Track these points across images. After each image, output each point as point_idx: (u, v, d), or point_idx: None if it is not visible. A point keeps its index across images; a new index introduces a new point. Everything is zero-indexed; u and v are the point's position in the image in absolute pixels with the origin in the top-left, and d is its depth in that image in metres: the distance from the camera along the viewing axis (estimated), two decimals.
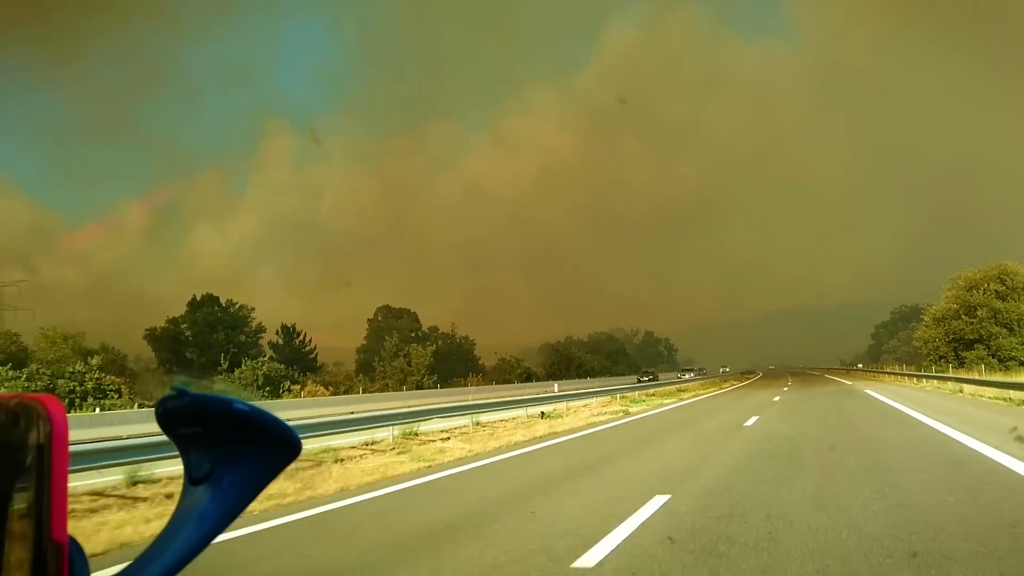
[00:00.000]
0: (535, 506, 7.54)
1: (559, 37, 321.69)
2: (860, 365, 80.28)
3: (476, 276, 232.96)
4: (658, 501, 7.26)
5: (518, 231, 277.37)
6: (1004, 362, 46.26)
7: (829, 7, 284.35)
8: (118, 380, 33.93)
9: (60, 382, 31.81)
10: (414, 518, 7.31)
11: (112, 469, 9.28)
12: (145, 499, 8.70)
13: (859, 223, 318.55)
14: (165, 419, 0.78)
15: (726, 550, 5.31)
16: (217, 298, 73.25)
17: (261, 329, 76.00)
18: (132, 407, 28.52)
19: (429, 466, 11.20)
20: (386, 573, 5.37)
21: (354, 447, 13.76)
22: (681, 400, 31.45)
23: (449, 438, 15.74)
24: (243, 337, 69.20)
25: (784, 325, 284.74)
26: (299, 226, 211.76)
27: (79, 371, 33.08)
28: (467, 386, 57.22)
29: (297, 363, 73.64)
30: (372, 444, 14.29)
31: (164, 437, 0.81)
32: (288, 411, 26.23)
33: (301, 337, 77.41)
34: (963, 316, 49.15)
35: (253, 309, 75.52)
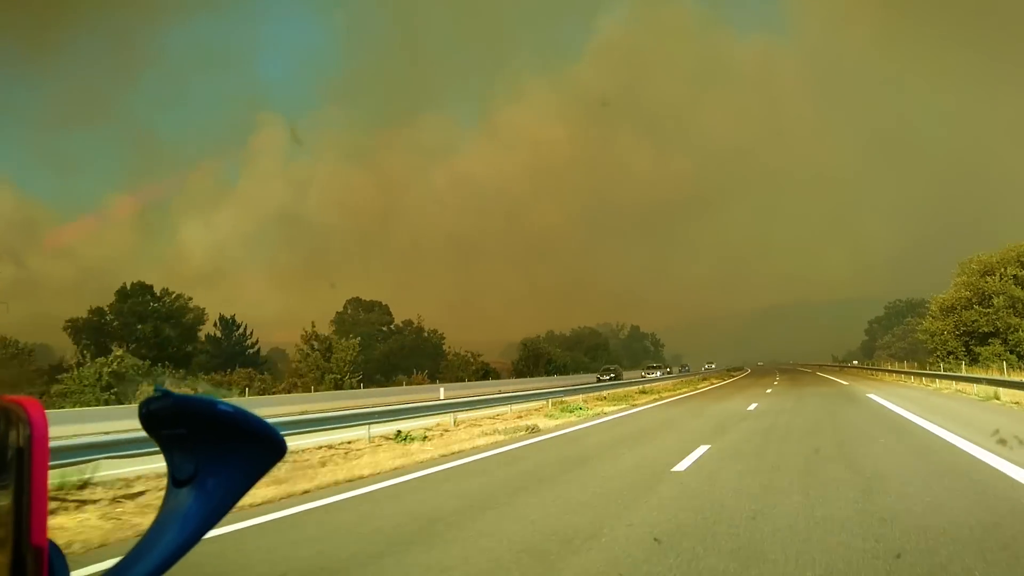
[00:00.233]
0: None
1: (552, 30, 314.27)
2: (855, 362, 73.51)
3: (461, 271, 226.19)
4: None
5: (506, 226, 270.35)
6: None
7: None
8: None
9: None
10: None
11: None
12: None
13: (855, 218, 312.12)
14: (148, 420, 0.77)
15: None
16: (151, 287, 66.03)
17: (200, 321, 68.87)
18: None
19: None
20: None
21: None
22: (633, 407, 24.41)
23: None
24: (170, 330, 61.94)
25: (776, 321, 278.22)
26: (284, 220, 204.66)
27: None
28: (410, 384, 50.34)
29: (236, 358, 66.54)
30: None
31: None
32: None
33: (241, 330, 70.23)
34: (976, 306, 42.28)
35: (190, 299, 68.37)
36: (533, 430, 15.93)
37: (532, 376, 65.19)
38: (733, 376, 61.63)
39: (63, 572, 0.68)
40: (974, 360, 42.00)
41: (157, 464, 9.40)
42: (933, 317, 44.92)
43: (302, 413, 19.37)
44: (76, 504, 7.73)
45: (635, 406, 24.45)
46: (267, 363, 70.09)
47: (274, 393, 39.42)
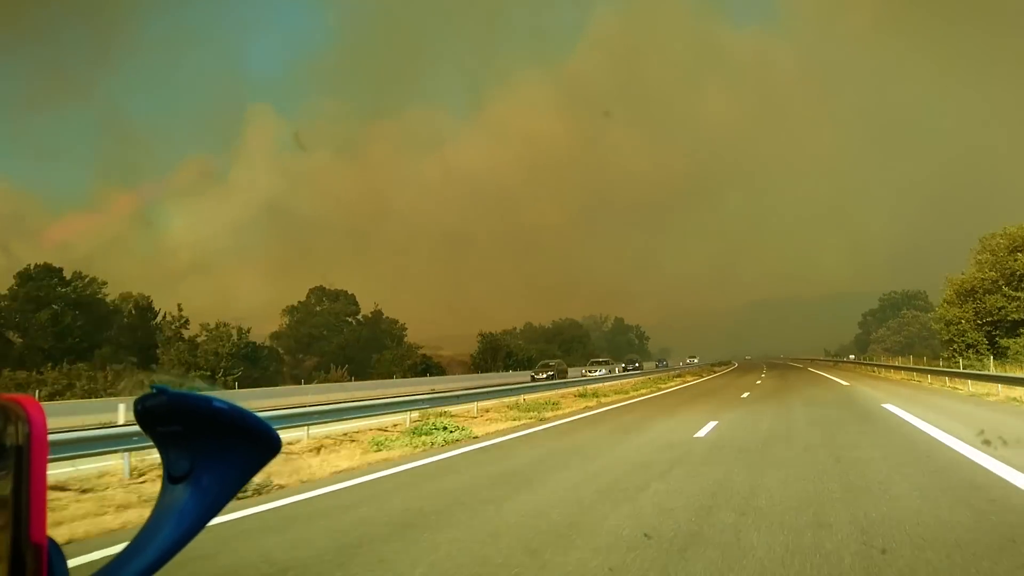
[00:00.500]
0: None
1: (547, 21, 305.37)
2: (852, 356, 65.67)
3: (447, 263, 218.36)
4: None
5: (495, 219, 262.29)
6: None
7: None
8: None
9: None
10: None
11: None
12: None
13: (850, 210, 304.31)
14: (144, 417, 0.77)
15: None
16: (60, 270, 57.78)
17: (117, 310, 60.71)
18: None
19: None
20: None
21: None
22: (541, 423, 16.34)
23: None
24: (74, 319, 53.67)
25: (767, 315, 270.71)
26: (270, 211, 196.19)
27: None
28: (325, 382, 42.45)
29: (149, 347, 58.41)
30: None
31: None
32: None
33: (160, 317, 61.86)
34: (1004, 287, 34.51)
35: (105, 284, 60.18)
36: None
37: (490, 371, 57.37)
38: (714, 372, 53.74)
39: (62, 568, 0.67)
40: (1000, 354, 34.29)
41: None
42: (948, 303, 37.05)
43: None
44: None
45: (543, 423, 16.38)
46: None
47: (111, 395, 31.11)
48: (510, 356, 59.28)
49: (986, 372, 26.24)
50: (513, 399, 21.73)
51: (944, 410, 15.22)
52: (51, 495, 5.96)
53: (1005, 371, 26.32)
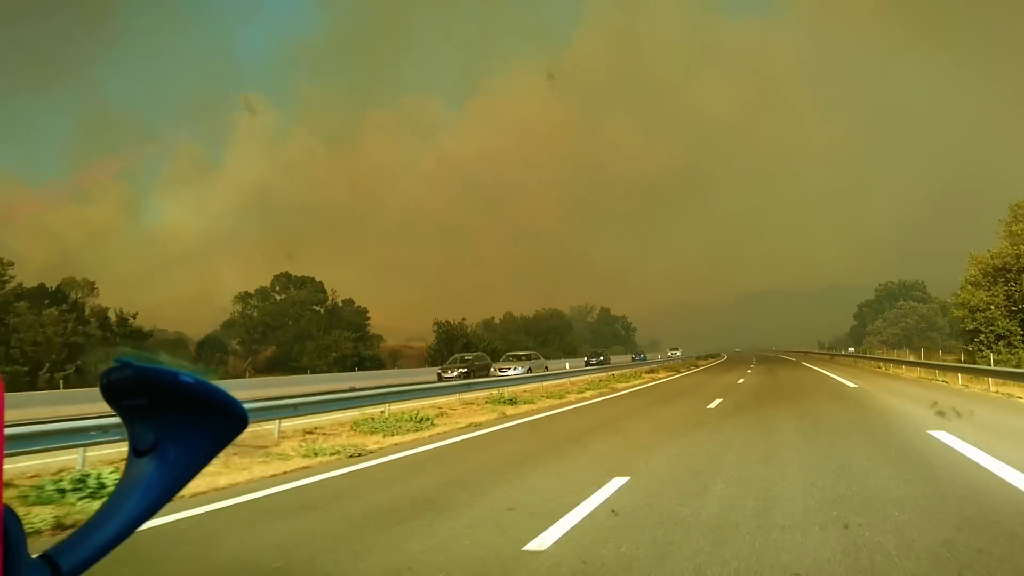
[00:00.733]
0: None
1: (543, 9, 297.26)
2: (852, 349, 58.77)
3: (434, 251, 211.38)
4: None
5: (484, 208, 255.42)
6: None
7: None
8: None
9: None
10: None
11: None
12: None
13: (847, 203, 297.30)
14: (109, 391, 0.76)
15: None
16: None
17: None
18: None
19: None
20: None
21: None
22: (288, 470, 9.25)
23: None
24: None
25: (761, 307, 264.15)
26: (256, 198, 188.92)
27: None
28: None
29: None
30: None
31: None
32: None
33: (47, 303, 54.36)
34: None
35: (11, 264, 52.88)
36: None
37: (417, 367, 50.75)
38: (695, 367, 46.79)
39: (19, 537, 0.67)
40: None
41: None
42: (974, 285, 30.13)
43: None
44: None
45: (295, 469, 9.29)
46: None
47: None
48: (469, 347, 52.23)
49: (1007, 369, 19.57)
50: (400, 406, 14.85)
51: None
52: None
53: None
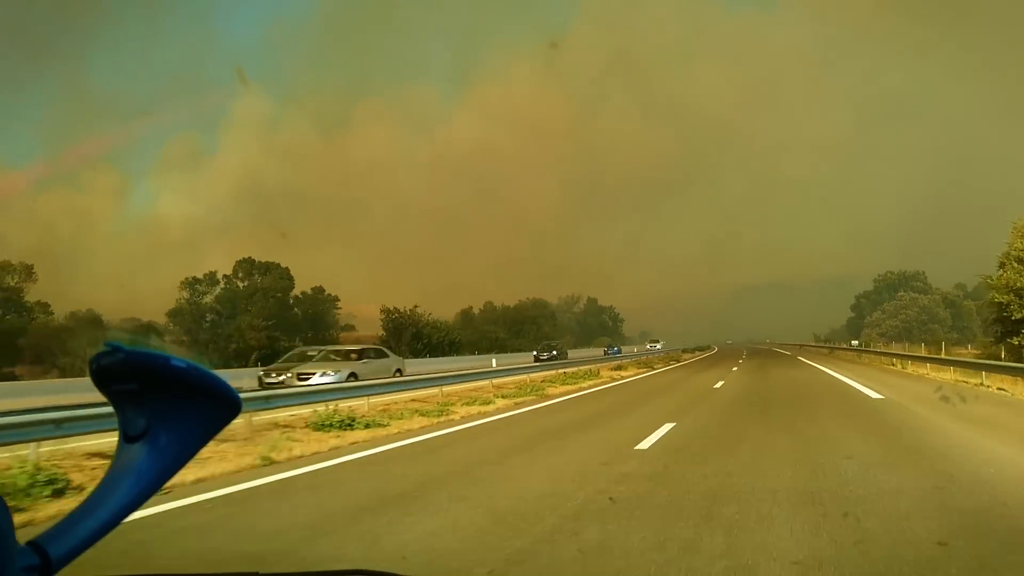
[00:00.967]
0: None
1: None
2: (856, 342, 51.77)
3: (425, 241, 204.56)
4: None
5: (478, 197, 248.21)
6: None
7: None
8: None
9: None
10: None
11: None
12: None
13: (845, 193, 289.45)
14: (100, 376, 0.74)
15: None
16: None
17: None
18: None
19: None
20: None
21: None
22: None
23: None
24: None
25: (756, 299, 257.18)
26: (248, 187, 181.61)
27: None
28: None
29: None
30: None
31: None
32: None
33: None
34: None
35: None
36: None
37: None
38: (673, 363, 39.89)
39: (6, 524, 0.66)
40: None
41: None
42: (1021, 261, 23.23)
43: None
44: None
45: None
46: None
47: None
48: (419, 338, 45.45)
49: None
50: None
51: None
52: None
53: None
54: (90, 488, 0.81)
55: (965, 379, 20.08)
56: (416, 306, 49.01)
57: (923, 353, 31.24)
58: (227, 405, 0.76)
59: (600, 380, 23.77)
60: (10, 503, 0.66)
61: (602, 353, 48.90)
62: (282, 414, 12.05)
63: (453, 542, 4.51)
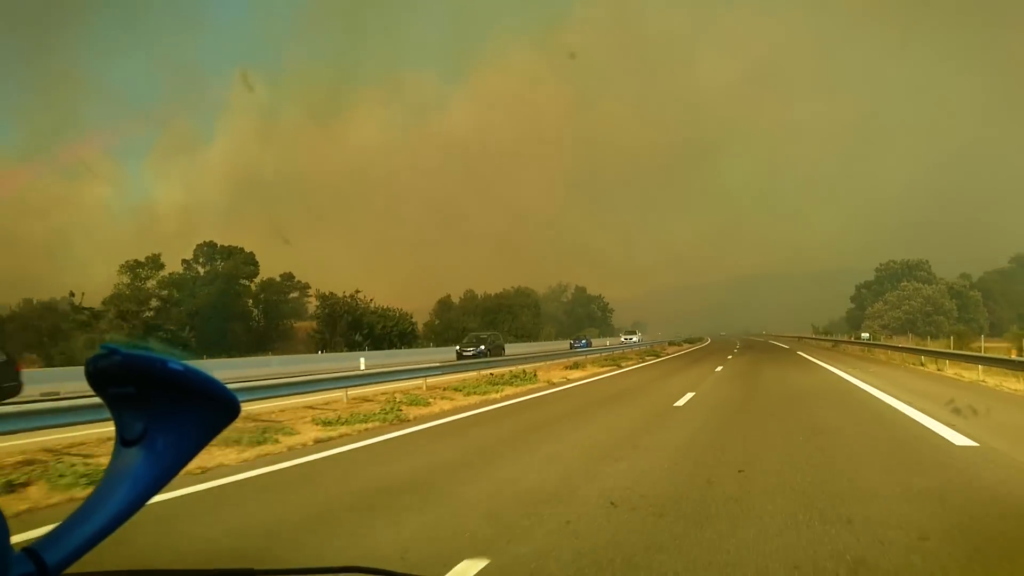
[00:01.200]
0: None
1: None
2: (866, 335, 44.61)
3: (418, 229, 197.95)
4: None
5: (465, 183, 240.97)
6: None
7: None
8: None
9: None
10: None
11: None
12: None
13: (846, 184, 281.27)
14: (96, 378, 0.72)
15: None
16: None
17: None
18: None
19: None
20: None
21: None
22: None
23: None
24: None
25: (754, 290, 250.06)
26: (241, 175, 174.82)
27: None
28: None
29: None
30: None
31: None
32: None
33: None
34: None
35: None
36: None
37: (331, 350, 37.11)
38: (650, 360, 32.99)
39: (2, 531, 0.64)
40: None
41: None
42: None
43: None
44: None
45: None
46: None
47: None
48: (357, 328, 38.51)
49: None
50: None
51: None
52: None
53: None
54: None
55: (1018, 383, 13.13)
56: (357, 291, 42.05)
57: (947, 347, 24.57)
58: (225, 408, 0.73)
59: (525, 388, 16.85)
60: None
61: (568, 346, 41.69)
62: None
63: None
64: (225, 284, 77.03)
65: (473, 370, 19.56)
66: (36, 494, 6.08)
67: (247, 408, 10.71)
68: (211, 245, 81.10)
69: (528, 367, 21.58)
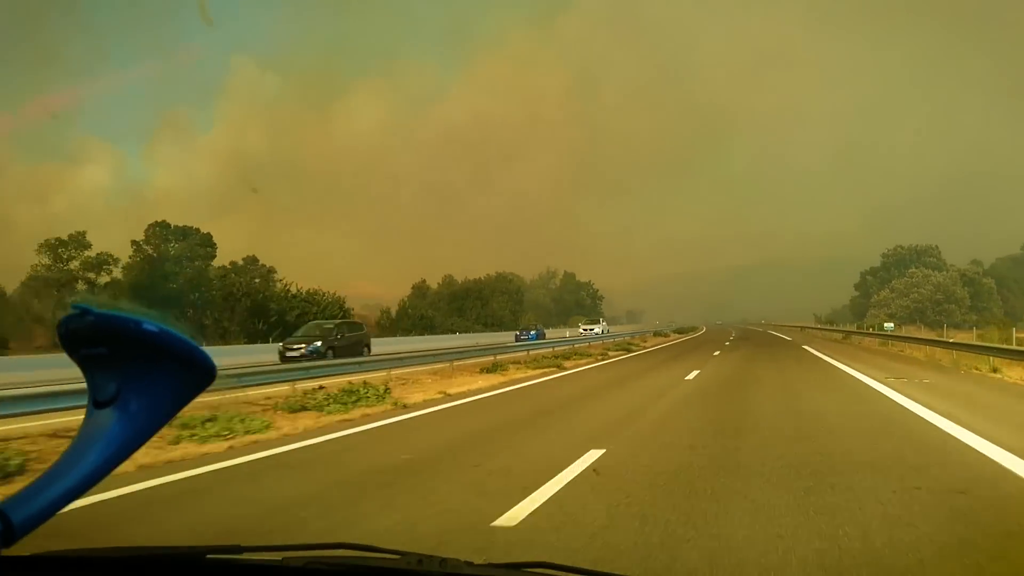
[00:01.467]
0: None
1: None
2: (890, 325, 36.71)
3: (413, 216, 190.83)
4: None
5: (462, 168, 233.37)
6: None
7: None
8: None
9: None
10: None
11: None
12: None
13: (850, 171, 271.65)
14: (68, 340, 0.70)
15: None
16: None
17: None
18: None
19: None
20: None
21: None
22: None
23: None
24: None
25: (755, 279, 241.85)
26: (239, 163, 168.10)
27: None
28: None
29: None
30: None
31: None
32: None
33: None
34: None
35: None
36: None
37: (227, 342, 29.77)
38: (614, 357, 25.41)
39: None
40: None
41: None
42: None
43: None
44: None
45: None
46: None
47: None
48: (261, 315, 31.05)
49: None
50: None
51: None
52: None
53: None
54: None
55: None
56: (270, 268, 34.38)
57: (978, 339, 17.22)
58: (201, 371, 0.70)
59: (326, 421, 9.29)
60: None
61: (515, 337, 33.57)
62: None
63: None
64: (176, 267, 69.10)
65: (292, 380, 12.00)
66: None
67: None
68: (164, 225, 73.84)
69: (405, 372, 13.97)
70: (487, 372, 17.13)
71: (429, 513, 4.47)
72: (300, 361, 16.14)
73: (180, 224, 75.42)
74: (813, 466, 5.54)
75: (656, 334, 50.55)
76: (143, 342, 0.66)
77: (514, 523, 4.12)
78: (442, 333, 47.27)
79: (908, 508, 4.21)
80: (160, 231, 73.11)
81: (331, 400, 10.40)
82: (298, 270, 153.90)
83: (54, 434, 8.07)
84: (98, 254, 58.07)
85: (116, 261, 58.59)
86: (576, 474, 5.48)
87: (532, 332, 37.76)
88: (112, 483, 4.81)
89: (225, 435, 7.83)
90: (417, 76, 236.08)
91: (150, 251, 68.98)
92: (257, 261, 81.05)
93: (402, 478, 5.66)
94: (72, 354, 0.69)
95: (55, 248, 57.56)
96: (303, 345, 19.07)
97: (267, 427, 8.56)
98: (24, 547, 0.69)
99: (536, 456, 6.54)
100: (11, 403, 7.79)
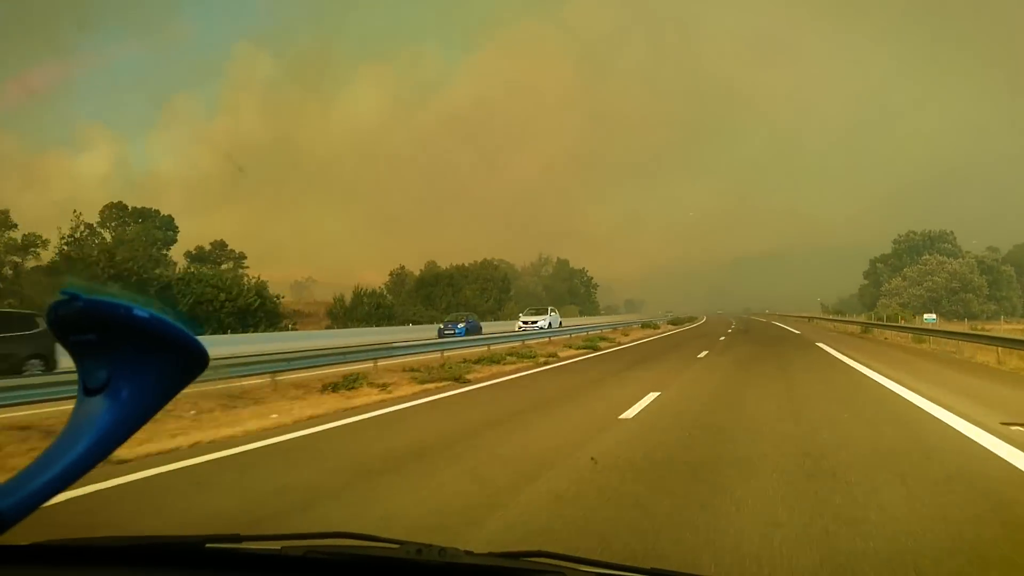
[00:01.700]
0: None
1: None
2: (931, 317, 29.56)
3: (409, 201, 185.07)
4: None
5: (461, 154, 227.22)
6: None
7: None
8: None
9: None
10: None
11: None
12: None
13: (855, 159, 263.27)
14: (58, 326, 0.68)
15: None
16: None
17: None
18: None
19: None
20: None
21: None
22: None
23: None
24: None
25: (760, 268, 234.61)
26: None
27: None
28: None
29: None
30: None
31: None
32: None
33: None
34: None
35: None
36: None
37: None
38: (548, 362, 18.84)
39: None
40: None
41: None
42: None
43: None
44: None
45: None
46: None
47: None
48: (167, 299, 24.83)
49: None
50: None
51: None
52: None
53: None
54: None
55: None
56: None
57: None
58: (193, 358, 0.69)
59: None
60: None
61: (437, 334, 26.11)
62: None
63: None
64: (129, 252, 62.23)
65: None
66: None
67: None
68: (120, 207, 68.11)
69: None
70: (329, 391, 10.80)
71: None
72: None
73: (138, 206, 69.64)
74: None
75: (644, 325, 44.05)
76: (133, 328, 0.64)
77: None
78: (400, 324, 40.97)
79: None
80: (116, 212, 67.32)
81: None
82: (299, 259, 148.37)
83: None
84: (24, 235, 51.92)
85: (45, 243, 52.12)
86: None
87: (460, 326, 30.37)
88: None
89: None
90: (416, 61, 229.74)
91: (106, 234, 63.05)
92: (226, 246, 74.95)
93: None
94: (62, 340, 0.66)
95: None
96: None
97: None
98: (19, 536, 0.66)
99: None
100: None
